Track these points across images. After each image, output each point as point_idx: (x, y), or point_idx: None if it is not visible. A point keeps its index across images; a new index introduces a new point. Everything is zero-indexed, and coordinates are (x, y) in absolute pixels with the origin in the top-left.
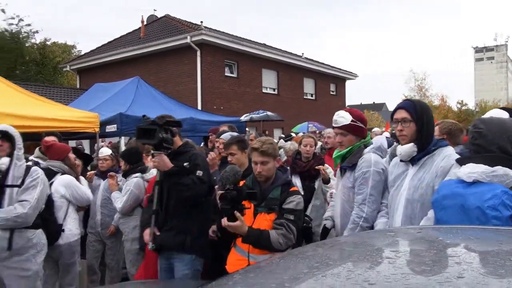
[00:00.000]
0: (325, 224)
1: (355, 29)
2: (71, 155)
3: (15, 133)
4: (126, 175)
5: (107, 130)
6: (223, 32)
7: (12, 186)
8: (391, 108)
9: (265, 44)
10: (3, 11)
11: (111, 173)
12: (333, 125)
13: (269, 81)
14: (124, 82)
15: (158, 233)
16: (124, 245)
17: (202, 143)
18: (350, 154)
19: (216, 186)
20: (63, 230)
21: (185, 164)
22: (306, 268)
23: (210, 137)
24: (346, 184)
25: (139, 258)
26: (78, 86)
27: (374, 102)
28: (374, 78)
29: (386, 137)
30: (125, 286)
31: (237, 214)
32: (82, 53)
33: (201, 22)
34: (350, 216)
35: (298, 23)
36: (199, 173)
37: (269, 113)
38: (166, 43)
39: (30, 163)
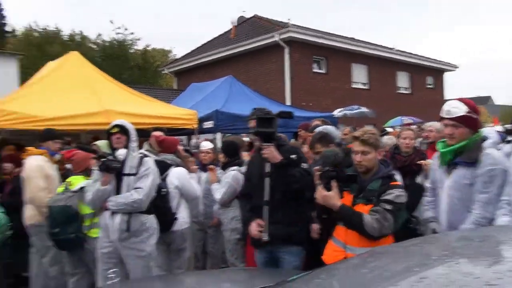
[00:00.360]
0: (434, 229)
1: (452, 18)
2: (181, 148)
3: (130, 127)
4: (224, 167)
5: (204, 127)
6: (311, 28)
7: (129, 174)
8: (498, 101)
9: (354, 38)
10: (111, 22)
11: (211, 166)
12: (444, 115)
13: (359, 75)
14: (218, 81)
15: (265, 226)
16: (224, 234)
17: (292, 139)
18: (465, 149)
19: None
20: (176, 218)
21: (292, 156)
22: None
23: (299, 132)
24: (460, 180)
25: (238, 248)
26: (175, 87)
27: (478, 95)
28: (477, 69)
29: (497, 131)
30: (226, 271)
31: (333, 184)
32: (178, 56)
33: (289, 19)
34: (460, 213)
35: (390, 16)
36: (304, 165)
37: (363, 109)
38: (255, 43)
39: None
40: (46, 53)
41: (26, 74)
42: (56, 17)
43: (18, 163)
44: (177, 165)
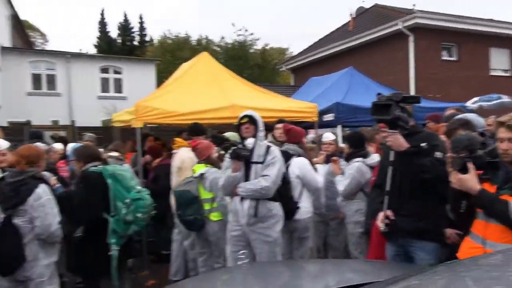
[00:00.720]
0: None
1: None
2: (304, 140)
3: (258, 118)
4: (348, 159)
5: (324, 119)
6: (439, 13)
7: (256, 163)
8: None
9: (492, 20)
10: (233, 25)
11: (334, 157)
12: None
13: (499, 61)
14: (338, 73)
15: (392, 217)
16: (347, 227)
17: None
18: None
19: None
20: (298, 207)
21: (422, 144)
22: None
23: (428, 124)
24: None
25: (361, 242)
26: (292, 83)
27: None
28: None
29: None
30: (348, 262)
31: (469, 165)
32: (295, 53)
33: (414, 5)
34: None
35: None
36: (438, 154)
37: (505, 98)
38: (375, 33)
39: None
40: (178, 58)
41: (161, 77)
42: (187, 25)
43: (157, 154)
44: (299, 155)
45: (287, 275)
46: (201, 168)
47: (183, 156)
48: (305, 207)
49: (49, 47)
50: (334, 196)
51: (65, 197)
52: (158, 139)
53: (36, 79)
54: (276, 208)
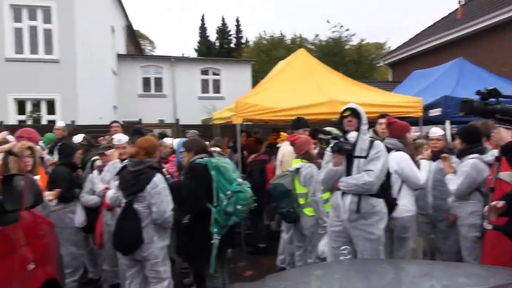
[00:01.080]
0: None
1: None
2: (409, 135)
3: (362, 111)
4: (461, 155)
5: (430, 115)
6: None
7: (359, 157)
8: None
9: None
10: (328, 21)
11: (444, 154)
12: None
13: None
14: (446, 65)
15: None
16: (460, 230)
17: None
18: None
19: None
20: (396, 204)
21: None
22: None
23: None
24: None
25: (477, 247)
26: (390, 79)
27: None
28: None
29: None
30: (460, 266)
31: None
32: (393, 48)
33: None
34: None
35: None
36: None
37: None
38: (488, 20)
39: None
40: (273, 57)
41: (256, 77)
42: (281, 25)
43: (253, 150)
44: (398, 150)
45: (392, 274)
46: (297, 163)
47: (284, 150)
48: (404, 205)
49: (156, 53)
50: (444, 196)
51: (174, 187)
52: (251, 136)
53: (146, 82)
54: (380, 204)
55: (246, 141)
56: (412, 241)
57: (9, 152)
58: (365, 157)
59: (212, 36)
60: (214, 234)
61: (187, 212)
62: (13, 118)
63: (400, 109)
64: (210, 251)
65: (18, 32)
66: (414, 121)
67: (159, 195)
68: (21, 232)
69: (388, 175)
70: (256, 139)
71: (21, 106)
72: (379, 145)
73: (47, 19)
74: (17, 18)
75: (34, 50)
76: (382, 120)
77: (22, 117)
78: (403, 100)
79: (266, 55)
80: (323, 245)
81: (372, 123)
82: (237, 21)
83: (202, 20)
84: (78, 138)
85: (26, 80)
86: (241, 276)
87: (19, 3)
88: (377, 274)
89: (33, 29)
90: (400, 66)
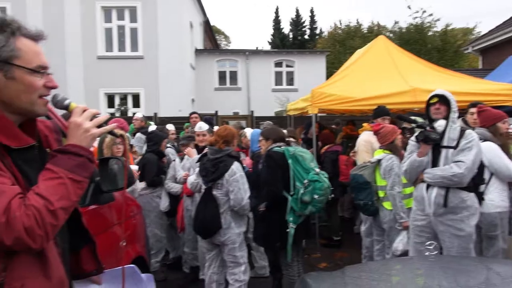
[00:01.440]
0: None
1: None
2: (502, 125)
3: (451, 97)
4: None
5: None
6: None
7: (448, 147)
8: None
9: None
10: (409, 7)
11: None
12: None
13: None
14: None
15: None
16: None
17: None
18: None
19: None
20: (483, 198)
21: None
22: None
23: None
24: None
25: None
26: (480, 67)
27: None
28: None
29: None
30: None
31: None
32: (484, 32)
33: None
34: None
35: None
36: None
37: None
38: None
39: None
40: (348, 47)
41: (331, 68)
42: (357, 14)
43: (327, 141)
44: (485, 140)
45: (482, 273)
46: (379, 154)
47: (359, 140)
48: (492, 200)
49: (231, 47)
50: None
51: (249, 175)
52: (325, 128)
53: (222, 75)
54: (471, 199)
55: (320, 132)
56: (501, 240)
57: (110, 133)
58: (454, 148)
59: (286, 28)
60: (289, 222)
61: (264, 200)
62: (103, 111)
63: (493, 98)
64: (286, 239)
65: (108, 32)
66: (510, 111)
67: (236, 182)
68: (114, 212)
69: (481, 168)
70: (330, 130)
71: (110, 100)
72: (471, 134)
73: (133, 18)
74: (107, 18)
75: (121, 47)
76: (473, 110)
77: (111, 110)
78: (497, 88)
79: (341, 46)
80: (397, 242)
81: (461, 114)
82: (311, 11)
83: (276, 12)
84: (170, 127)
85: (115, 76)
86: (315, 268)
87: (109, 4)
88: (465, 272)
89: (121, 28)
90: (492, 52)
